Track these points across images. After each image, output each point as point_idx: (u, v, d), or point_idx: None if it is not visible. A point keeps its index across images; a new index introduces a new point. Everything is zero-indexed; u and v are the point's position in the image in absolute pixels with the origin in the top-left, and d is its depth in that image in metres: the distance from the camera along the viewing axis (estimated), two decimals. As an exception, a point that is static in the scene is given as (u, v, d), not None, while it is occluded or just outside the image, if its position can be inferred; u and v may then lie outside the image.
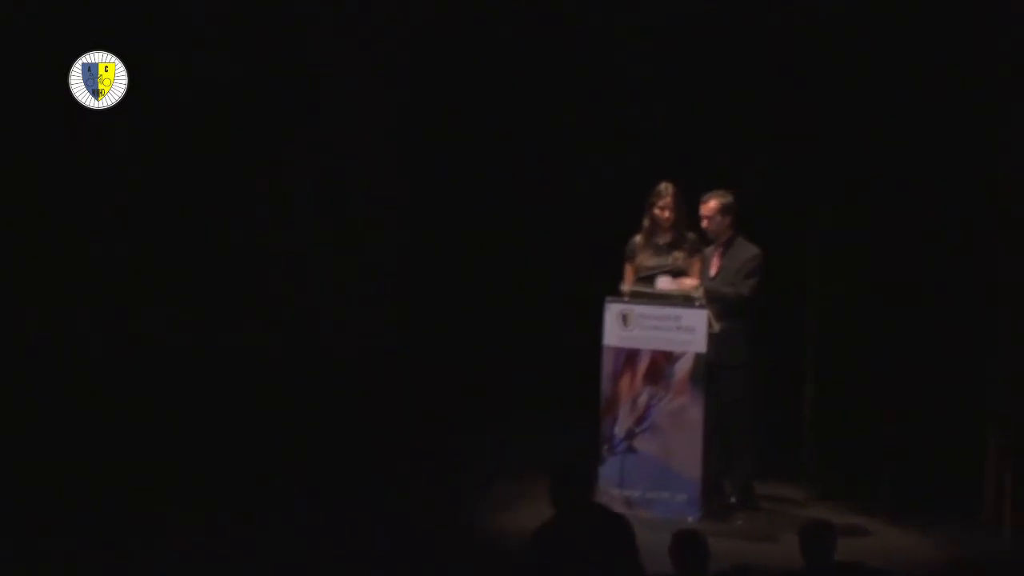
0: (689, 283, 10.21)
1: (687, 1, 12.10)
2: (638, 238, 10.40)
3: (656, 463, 10.12)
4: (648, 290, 10.23)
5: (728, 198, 10.41)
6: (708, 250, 10.44)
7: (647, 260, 10.35)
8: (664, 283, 10.22)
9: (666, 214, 10.32)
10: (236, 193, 12.96)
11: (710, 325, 10.07)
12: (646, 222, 10.37)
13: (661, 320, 10.10)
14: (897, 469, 10.22)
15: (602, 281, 10.32)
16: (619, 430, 10.20)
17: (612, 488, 10.17)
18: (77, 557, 9.15)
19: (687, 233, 10.38)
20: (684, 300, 10.15)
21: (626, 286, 10.29)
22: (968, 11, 10.03)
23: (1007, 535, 9.85)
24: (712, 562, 7.29)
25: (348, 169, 13.10)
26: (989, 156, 10.02)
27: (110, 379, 12.23)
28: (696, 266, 10.33)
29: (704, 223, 10.44)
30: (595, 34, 12.60)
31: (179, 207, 12.87)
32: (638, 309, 10.16)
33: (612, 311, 10.19)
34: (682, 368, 10.09)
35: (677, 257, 10.31)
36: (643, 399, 10.15)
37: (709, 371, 10.13)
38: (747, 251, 10.37)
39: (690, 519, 9.90)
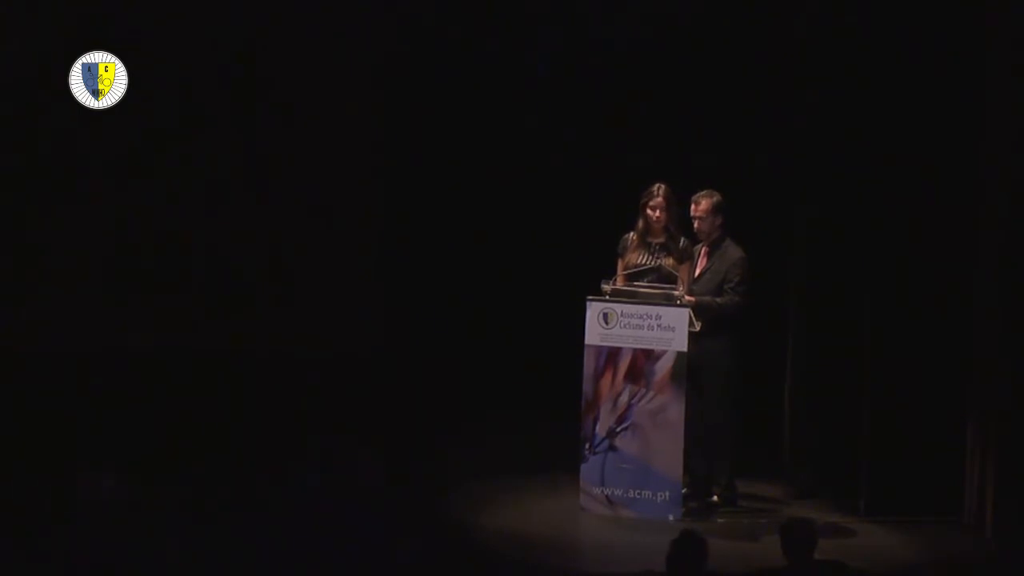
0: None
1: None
2: (632, 234, 10.36)
3: (637, 462, 10.10)
4: (629, 288, 10.21)
5: (718, 197, 10.39)
6: (695, 248, 10.42)
7: (636, 258, 10.32)
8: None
9: (657, 214, 10.26)
10: (222, 194, 12.94)
11: (691, 323, 10.06)
12: (640, 222, 10.34)
13: (642, 319, 10.08)
14: (878, 468, 10.20)
15: (587, 281, 10.29)
16: (600, 429, 10.18)
17: (594, 487, 10.17)
18: (72, 557, 9.16)
19: (681, 237, 10.33)
20: (665, 299, 10.13)
21: (617, 281, 10.26)
22: (953, 9, 10.04)
23: (988, 535, 9.84)
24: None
25: (333, 170, 13.09)
26: (971, 155, 10.02)
27: (104, 379, 12.23)
28: (685, 272, 10.28)
29: (696, 224, 10.41)
30: (583, 33, 12.63)
31: (171, 207, 12.86)
32: (619, 308, 10.14)
33: (593, 310, 10.17)
34: (663, 367, 10.07)
35: (666, 259, 10.26)
36: (624, 398, 10.13)
37: (693, 370, 10.12)
38: (733, 254, 10.33)
39: (671, 518, 9.91)
